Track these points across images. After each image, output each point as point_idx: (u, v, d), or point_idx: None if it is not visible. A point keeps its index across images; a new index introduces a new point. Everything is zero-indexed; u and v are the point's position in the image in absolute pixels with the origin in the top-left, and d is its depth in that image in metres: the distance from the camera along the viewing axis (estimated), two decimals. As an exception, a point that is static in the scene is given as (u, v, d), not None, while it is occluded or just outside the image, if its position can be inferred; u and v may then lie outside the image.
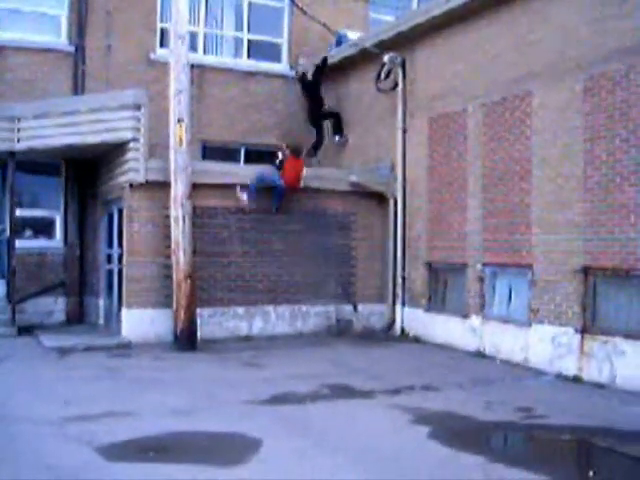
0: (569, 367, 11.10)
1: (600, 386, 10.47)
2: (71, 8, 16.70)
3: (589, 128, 11.02)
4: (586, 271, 11.02)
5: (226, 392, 9.88)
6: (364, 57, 16.11)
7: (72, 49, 16.63)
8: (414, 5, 19.96)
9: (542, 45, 11.92)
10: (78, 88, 16.53)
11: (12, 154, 14.66)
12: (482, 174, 13.10)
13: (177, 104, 13.08)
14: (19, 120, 14.26)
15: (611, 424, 8.48)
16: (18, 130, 14.27)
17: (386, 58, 15.07)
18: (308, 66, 17.62)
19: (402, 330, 15.04)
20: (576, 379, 10.92)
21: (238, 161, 17.72)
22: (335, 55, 17.27)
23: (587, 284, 11.04)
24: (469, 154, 13.44)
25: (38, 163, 16.26)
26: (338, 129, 17.35)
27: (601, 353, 10.64)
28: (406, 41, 14.95)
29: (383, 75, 15.34)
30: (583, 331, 10.96)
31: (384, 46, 15.33)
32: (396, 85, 15.25)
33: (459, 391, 10.20)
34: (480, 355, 12.81)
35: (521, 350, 12.07)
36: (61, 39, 16.76)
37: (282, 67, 18.84)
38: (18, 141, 14.30)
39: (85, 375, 10.95)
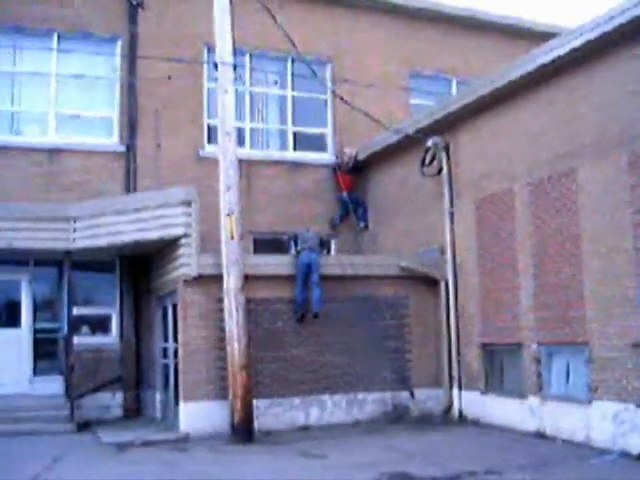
0: (633, 444, 10.80)
1: (667, 463, 10.20)
2: (121, 109, 17.35)
3: (636, 201, 10.99)
4: (644, 345, 10.84)
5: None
6: (407, 143, 16.30)
7: (123, 149, 17.21)
8: (453, 89, 20.33)
9: (583, 121, 12.00)
10: (130, 186, 17.02)
11: (68, 253, 15.05)
12: (532, 252, 13.07)
13: (227, 199, 13.32)
14: (75, 220, 14.69)
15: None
16: (74, 230, 14.69)
17: (430, 143, 15.26)
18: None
19: (460, 413, 14.81)
20: (641, 457, 10.64)
21: (288, 251, 17.88)
22: (379, 142, 17.57)
23: (646, 359, 10.85)
24: (518, 233, 13.44)
25: (93, 260, 16.59)
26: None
27: (666, 429, 10.38)
28: (448, 125, 15.17)
29: (427, 160, 15.49)
30: (645, 407, 10.73)
31: (426, 131, 15.54)
32: (441, 169, 15.37)
33: (522, 474, 9.98)
34: (541, 436, 12.55)
35: (582, 429, 11.80)
36: (112, 139, 17.36)
37: (328, 157, 19.22)
38: (74, 240, 14.69)
39: (144, 471, 10.92)
